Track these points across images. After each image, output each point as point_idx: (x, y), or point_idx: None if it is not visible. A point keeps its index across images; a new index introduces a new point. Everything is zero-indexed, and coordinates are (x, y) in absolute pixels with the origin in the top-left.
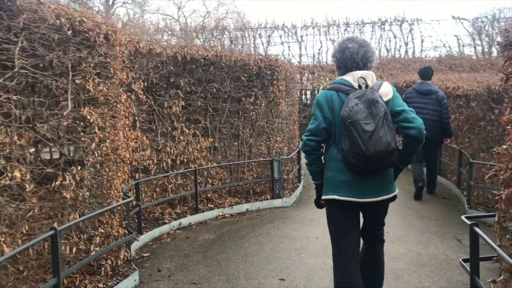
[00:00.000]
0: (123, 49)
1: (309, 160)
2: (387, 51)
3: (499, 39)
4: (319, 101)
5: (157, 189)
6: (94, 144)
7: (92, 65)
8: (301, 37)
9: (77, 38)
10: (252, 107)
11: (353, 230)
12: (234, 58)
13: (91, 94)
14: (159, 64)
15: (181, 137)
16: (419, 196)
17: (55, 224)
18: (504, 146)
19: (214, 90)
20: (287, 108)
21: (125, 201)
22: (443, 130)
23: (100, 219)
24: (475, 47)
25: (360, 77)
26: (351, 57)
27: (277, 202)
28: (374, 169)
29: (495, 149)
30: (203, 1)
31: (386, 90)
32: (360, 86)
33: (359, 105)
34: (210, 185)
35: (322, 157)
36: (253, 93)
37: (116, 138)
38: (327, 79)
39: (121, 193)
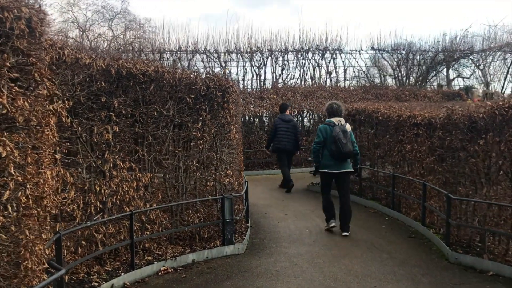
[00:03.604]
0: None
1: (315, 154)
2: (311, 79)
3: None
4: (321, 128)
5: (83, 242)
6: (7, 192)
7: (8, 65)
8: (225, 62)
9: None
10: (199, 134)
11: (330, 184)
12: (178, 75)
13: (5, 112)
14: (88, 79)
15: (114, 173)
16: (290, 191)
17: None
18: None
19: (155, 113)
20: (237, 136)
21: (54, 276)
22: (296, 146)
23: None
24: (395, 78)
25: (339, 120)
26: (334, 110)
27: (229, 250)
28: (343, 158)
29: None
30: (109, 26)
31: (349, 127)
32: (338, 124)
33: (340, 132)
34: (148, 232)
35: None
36: (200, 118)
37: (41, 180)
38: (252, 107)
39: (45, 264)
